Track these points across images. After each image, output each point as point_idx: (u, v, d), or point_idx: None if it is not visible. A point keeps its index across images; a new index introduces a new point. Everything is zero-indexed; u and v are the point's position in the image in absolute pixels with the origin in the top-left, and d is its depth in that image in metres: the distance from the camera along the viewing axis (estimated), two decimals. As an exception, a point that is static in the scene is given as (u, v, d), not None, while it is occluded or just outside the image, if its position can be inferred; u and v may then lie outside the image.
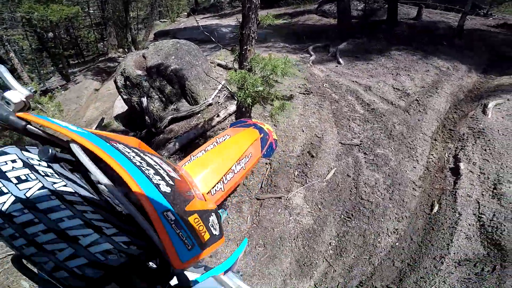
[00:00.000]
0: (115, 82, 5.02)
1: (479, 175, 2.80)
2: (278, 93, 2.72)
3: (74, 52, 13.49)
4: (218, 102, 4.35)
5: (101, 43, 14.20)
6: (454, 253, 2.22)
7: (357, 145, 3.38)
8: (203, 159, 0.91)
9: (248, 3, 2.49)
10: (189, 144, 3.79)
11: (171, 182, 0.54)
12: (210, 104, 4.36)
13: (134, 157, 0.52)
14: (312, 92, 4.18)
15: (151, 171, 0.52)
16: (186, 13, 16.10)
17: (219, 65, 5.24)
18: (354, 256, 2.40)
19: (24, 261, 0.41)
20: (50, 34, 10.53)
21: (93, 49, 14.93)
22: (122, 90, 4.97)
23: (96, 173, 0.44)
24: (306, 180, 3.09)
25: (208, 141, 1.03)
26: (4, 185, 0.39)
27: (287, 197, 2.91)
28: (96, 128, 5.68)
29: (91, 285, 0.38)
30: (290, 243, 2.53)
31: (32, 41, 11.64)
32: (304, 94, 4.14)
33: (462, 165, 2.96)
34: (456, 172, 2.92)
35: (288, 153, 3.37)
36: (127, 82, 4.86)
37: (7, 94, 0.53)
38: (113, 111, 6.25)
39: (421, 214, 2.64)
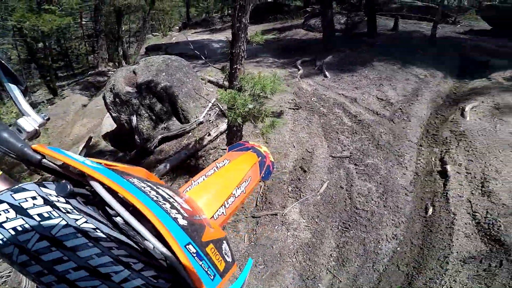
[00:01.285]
0: (104, 98, 4.79)
1: (466, 175, 2.81)
2: (268, 110, 2.61)
3: (64, 64, 12.89)
4: (209, 120, 4.19)
5: (92, 56, 13.68)
6: (457, 252, 2.20)
7: (347, 157, 3.33)
8: (205, 184, 0.88)
9: (238, 23, 2.41)
10: (180, 165, 3.62)
11: (186, 215, 0.54)
12: (201, 123, 4.19)
13: (150, 191, 0.51)
14: (301, 107, 4.09)
15: (168, 205, 0.51)
16: (178, 27, 15.88)
17: (209, 81, 5.08)
18: (357, 265, 2.33)
19: None
20: (40, 45, 10.00)
21: (83, 62, 14.38)
22: (111, 107, 4.73)
23: (122, 213, 0.43)
24: (300, 195, 3.01)
25: (208, 166, 0.97)
26: (27, 223, 0.38)
27: (283, 213, 2.82)
28: (83, 148, 5.38)
29: None
30: (290, 258, 2.44)
31: (21, 50, 11.08)
32: (293, 109, 4.05)
33: (449, 167, 2.97)
34: (444, 174, 2.94)
35: (281, 169, 3.26)
36: (117, 99, 4.63)
37: (21, 122, 0.50)
38: (101, 129, 5.95)
39: (417, 218, 2.63)
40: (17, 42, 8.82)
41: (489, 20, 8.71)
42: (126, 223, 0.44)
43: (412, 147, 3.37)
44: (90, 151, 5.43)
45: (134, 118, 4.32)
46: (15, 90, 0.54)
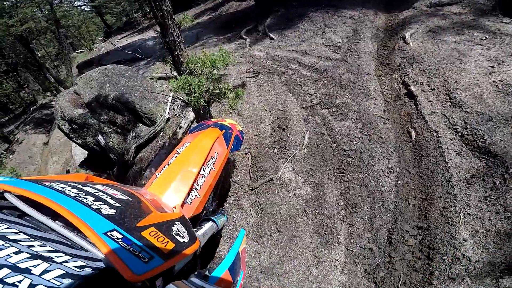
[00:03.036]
0: (61, 128, 4.21)
1: (431, 92, 2.93)
2: (228, 85, 2.50)
3: None
4: (175, 114, 3.93)
5: (23, 91, 11.80)
6: (457, 174, 2.12)
7: (317, 104, 3.32)
8: (167, 173, 0.84)
9: (160, 12, 2.20)
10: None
11: (116, 204, 0.53)
12: (168, 119, 3.91)
13: (69, 190, 0.52)
14: (260, 73, 3.98)
15: (90, 199, 0.52)
16: (101, 38, 14.17)
17: (160, 78, 4.68)
18: (367, 208, 2.25)
19: None
20: None
21: (18, 100, 12.38)
22: (72, 135, 4.19)
23: (29, 211, 0.45)
24: (287, 153, 2.93)
25: (170, 154, 0.95)
26: None
27: (278, 176, 2.74)
28: None
29: None
30: (301, 218, 2.36)
31: None
32: (253, 77, 3.93)
33: (413, 88, 3.09)
34: (411, 95, 3.03)
35: (261, 135, 3.20)
36: (73, 125, 4.10)
37: None
38: (75, 160, 5.32)
39: (404, 145, 2.61)
40: None
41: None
42: (66, 224, 0.46)
43: (373, 79, 3.46)
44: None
45: (100, 138, 3.88)
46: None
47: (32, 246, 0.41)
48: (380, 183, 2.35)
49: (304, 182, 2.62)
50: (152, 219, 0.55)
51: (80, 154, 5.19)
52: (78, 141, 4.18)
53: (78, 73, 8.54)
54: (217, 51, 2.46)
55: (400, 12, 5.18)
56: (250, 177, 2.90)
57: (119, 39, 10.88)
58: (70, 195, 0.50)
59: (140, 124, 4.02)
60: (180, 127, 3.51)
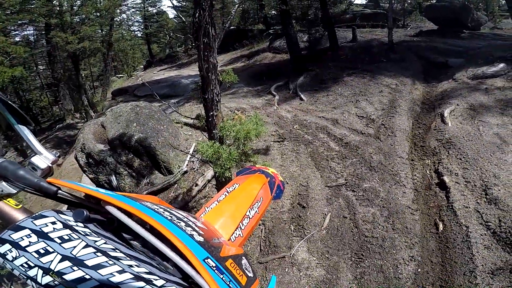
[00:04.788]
0: (77, 159, 4.38)
1: (466, 185, 2.77)
2: (250, 149, 2.45)
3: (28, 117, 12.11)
4: (193, 168, 3.95)
5: (56, 106, 12.88)
6: (482, 265, 2.11)
7: (343, 184, 3.21)
8: (218, 208, 0.91)
9: (206, 64, 2.18)
10: None
11: (201, 232, 0.55)
12: (185, 172, 3.93)
13: (163, 212, 0.53)
14: (285, 138, 3.99)
15: (182, 224, 0.53)
16: (142, 66, 15.63)
17: (186, 124, 4.87)
18: None
19: None
20: None
21: (48, 114, 13.49)
22: (86, 169, 4.33)
23: (138, 230, 0.45)
24: (304, 232, 2.84)
25: (218, 192, 1.04)
26: (49, 245, 0.40)
27: (291, 254, 2.65)
28: None
29: None
30: None
31: None
32: (278, 141, 3.94)
33: (446, 179, 2.92)
34: (443, 186, 2.89)
35: (279, 209, 3.08)
36: (90, 160, 4.25)
37: (34, 160, 0.54)
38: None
39: (430, 236, 2.55)
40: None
41: (433, 20, 9.55)
42: (144, 244, 0.47)
43: (405, 163, 3.33)
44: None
45: (113, 179, 3.96)
46: (25, 131, 0.58)
47: (131, 266, 0.40)
48: (399, 271, 2.31)
49: (317, 263, 2.55)
50: (227, 251, 0.57)
51: (88, 184, 5.30)
52: (90, 176, 4.29)
53: (112, 99, 9.25)
54: (246, 104, 2.43)
55: (440, 83, 5.14)
56: (261, 249, 2.84)
57: (158, 71, 11.93)
58: (166, 217, 0.51)
59: (156, 172, 4.06)
60: (196, 185, 3.48)
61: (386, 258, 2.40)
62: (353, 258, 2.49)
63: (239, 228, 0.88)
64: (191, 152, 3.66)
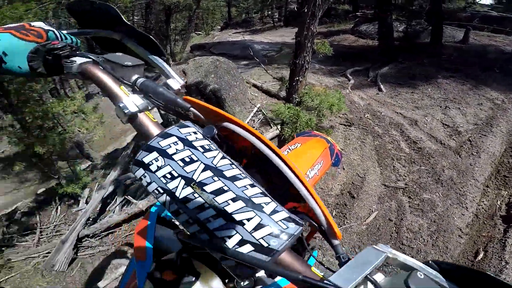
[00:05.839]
0: None
1: None
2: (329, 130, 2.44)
3: None
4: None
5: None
6: None
7: (401, 188, 3.06)
8: None
9: (305, 30, 2.21)
10: None
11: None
12: (245, 128, 4.17)
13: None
14: (353, 124, 3.84)
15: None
16: (219, 27, 16.27)
17: (254, 86, 5.04)
18: None
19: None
20: None
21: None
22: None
23: (268, 153, 0.46)
24: (344, 221, 2.84)
25: (281, 148, 1.07)
26: (194, 153, 0.40)
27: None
28: (132, 140, 5.73)
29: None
30: None
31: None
32: (345, 125, 3.82)
33: None
34: (507, 220, 2.59)
35: (327, 191, 3.10)
36: (167, 98, 4.83)
37: (169, 82, 0.59)
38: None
39: (464, 261, 2.41)
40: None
41: None
42: (277, 164, 0.47)
43: (477, 187, 2.99)
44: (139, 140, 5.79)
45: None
46: (158, 60, 0.64)
47: (245, 187, 0.39)
48: None
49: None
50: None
51: (159, 119, 6.03)
52: (162, 112, 4.85)
53: (190, 52, 10.00)
54: (315, 81, 2.44)
55: None
56: None
57: (233, 33, 12.29)
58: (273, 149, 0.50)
59: (219, 122, 4.39)
60: (253, 143, 3.67)
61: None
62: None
63: None
64: (258, 106, 3.84)
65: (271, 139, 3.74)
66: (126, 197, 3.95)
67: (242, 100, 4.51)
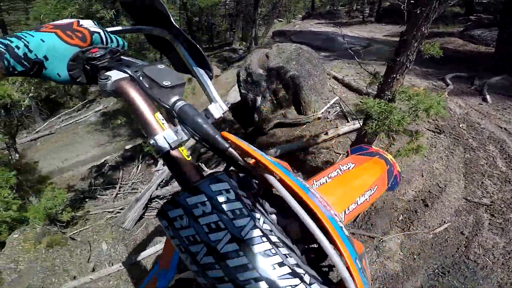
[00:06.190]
0: (238, 75, 5.47)
1: None
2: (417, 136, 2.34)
3: (207, 38, 14.91)
4: (327, 118, 4.24)
5: (228, 33, 15.36)
6: None
7: (486, 205, 2.77)
8: (328, 186, 0.85)
9: (415, 31, 2.11)
10: (288, 154, 3.82)
11: (343, 221, 0.50)
12: (318, 118, 4.29)
13: (310, 190, 0.46)
14: (443, 132, 3.54)
15: (328, 209, 0.47)
16: (301, 16, 16.16)
17: (334, 78, 5.05)
18: None
19: None
20: (196, 19, 12.16)
21: (222, 38, 16.39)
22: (242, 84, 5.41)
23: (300, 212, 0.39)
24: (410, 227, 2.75)
25: (330, 167, 0.99)
26: (221, 220, 0.36)
27: (381, 238, 2.67)
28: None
29: None
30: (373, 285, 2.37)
31: (181, 22, 13.68)
32: (433, 131, 3.55)
33: None
34: None
35: (398, 195, 3.03)
36: (248, 78, 5.25)
37: (211, 108, 0.52)
38: (227, 97, 6.96)
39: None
40: (181, 15, 10.97)
41: None
42: (278, 221, 0.42)
43: None
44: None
45: (259, 99, 4.87)
46: (204, 76, 0.56)
47: (287, 255, 0.38)
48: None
49: (400, 259, 2.52)
50: (358, 246, 0.53)
51: (232, 97, 6.56)
52: (242, 91, 5.30)
53: (271, 38, 10.34)
54: (406, 81, 2.29)
55: None
56: (355, 220, 2.91)
57: (315, 23, 12.08)
58: (318, 201, 0.44)
59: (293, 108, 4.63)
60: (326, 134, 3.80)
61: (466, 285, 2.18)
62: (436, 270, 2.33)
63: (343, 212, 0.82)
64: (336, 98, 3.89)
65: (347, 133, 3.77)
66: (199, 163, 4.43)
67: (320, 90, 4.61)
